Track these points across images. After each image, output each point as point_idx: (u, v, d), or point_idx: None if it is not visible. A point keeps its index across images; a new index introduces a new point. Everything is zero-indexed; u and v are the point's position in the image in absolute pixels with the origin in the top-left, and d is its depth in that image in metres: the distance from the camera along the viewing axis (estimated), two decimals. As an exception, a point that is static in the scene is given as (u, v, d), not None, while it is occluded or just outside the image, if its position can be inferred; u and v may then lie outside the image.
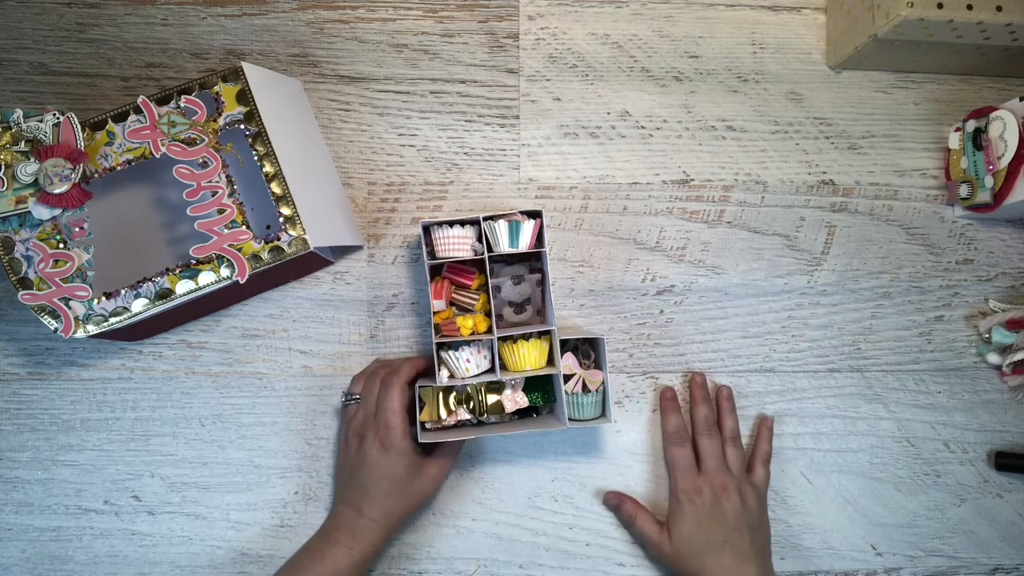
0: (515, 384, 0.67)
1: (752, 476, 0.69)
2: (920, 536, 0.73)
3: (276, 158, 0.60)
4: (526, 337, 0.65)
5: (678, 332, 0.73)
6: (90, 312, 0.59)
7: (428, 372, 0.67)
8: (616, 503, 0.70)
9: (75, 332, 0.58)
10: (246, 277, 0.59)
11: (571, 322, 0.73)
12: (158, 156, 0.59)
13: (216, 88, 0.60)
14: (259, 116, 0.60)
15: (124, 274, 0.61)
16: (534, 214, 0.65)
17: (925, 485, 0.73)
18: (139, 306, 0.59)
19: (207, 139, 0.59)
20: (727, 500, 0.65)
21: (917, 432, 0.74)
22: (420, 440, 0.64)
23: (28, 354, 0.70)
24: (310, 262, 0.67)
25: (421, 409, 0.65)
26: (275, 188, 0.60)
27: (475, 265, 0.67)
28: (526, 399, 0.67)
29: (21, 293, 0.58)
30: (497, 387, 0.66)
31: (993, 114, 0.69)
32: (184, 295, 0.59)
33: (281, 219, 0.60)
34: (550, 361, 0.66)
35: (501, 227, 0.63)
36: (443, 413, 0.65)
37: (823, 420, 0.73)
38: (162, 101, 0.60)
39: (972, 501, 0.73)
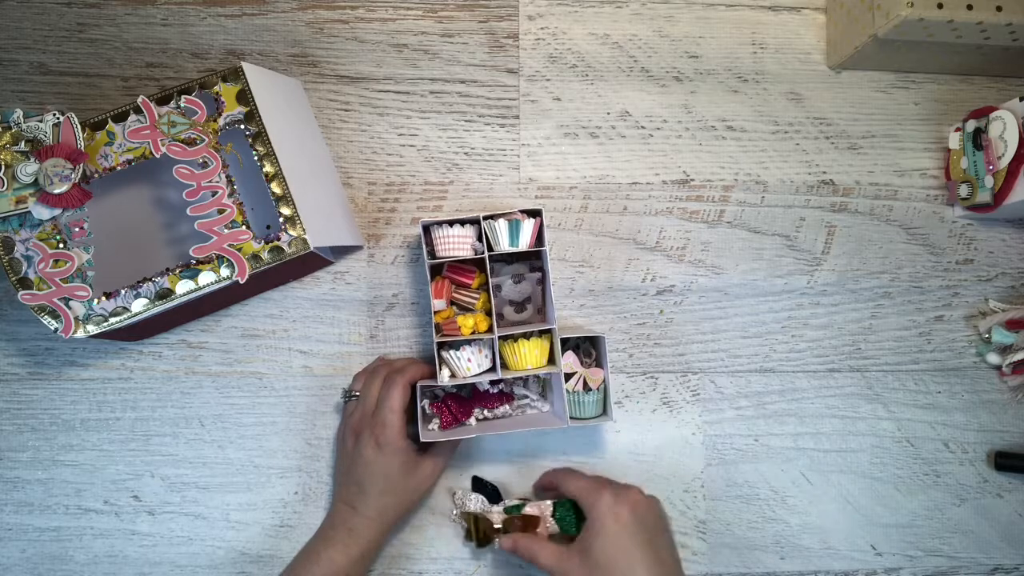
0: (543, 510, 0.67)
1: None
2: (920, 536, 0.73)
3: (276, 158, 0.60)
4: (527, 336, 0.65)
5: (678, 332, 0.73)
6: (90, 312, 0.59)
7: (431, 376, 0.67)
8: (510, 547, 0.64)
9: (75, 332, 0.58)
10: (246, 277, 0.59)
11: (571, 322, 0.73)
12: (158, 156, 0.59)
13: (216, 88, 0.60)
14: (259, 116, 0.60)
15: (124, 274, 0.61)
16: (534, 213, 0.65)
17: (925, 485, 0.73)
18: (139, 306, 0.59)
19: (207, 139, 0.59)
20: (648, 511, 0.61)
21: (917, 432, 0.74)
22: (422, 439, 0.64)
23: (28, 354, 0.70)
24: (310, 262, 0.67)
25: (419, 417, 0.65)
26: (275, 188, 0.60)
27: (475, 264, 0.67)
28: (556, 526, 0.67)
29: (21, 293, 0.58)
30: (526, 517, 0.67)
31: (993, 114, 0.69)
32: (184, 295, 0.59)
33: (281, 219, 0.60)
34: (551, 360, 0.66)
35: (501, 226, 0.63)
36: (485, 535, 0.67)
37: (823, 420, 0.73)
38: (162, 101, 0.59)
39: (972, 501, 0.73)
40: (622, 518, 0.60)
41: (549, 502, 0.67)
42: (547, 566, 0.61)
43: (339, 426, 0.70)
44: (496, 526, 0.67)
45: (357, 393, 0.67)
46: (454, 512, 0.70)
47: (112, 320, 0.59)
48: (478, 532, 0.66)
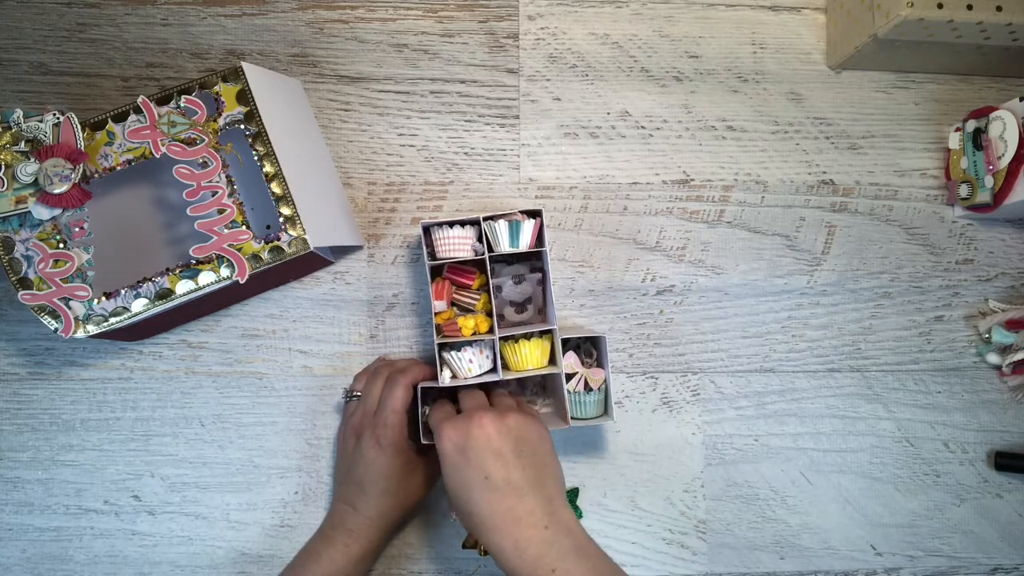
0: None
1: (524, 408, 0.61)
2: (920, 536, 0.73)
3: (276, 158, 0.60)
4: (528, 336, 0.65)
5: (678, 332, 0.73)
6: (90, 312, 0.59)
7: (432, 377, 0.67)
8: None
9: (75, 332, 0.58)
10: (246, 277, 0.59)
11: (572, 322, 0.73)
12: (158, 156, 0.59)
13: (216, 88, 0.60)
14: (259, 116, 0.60)
15: (124, 274, 0.60)
16: (534, 213, 0.65)
17: (925, 485, 0.73)
18: (139, 306, 0.59)
19: (207, 139, 0.59)
20: (480, 429, 0.55)
21: (917, 432, 0.74)
22: (423, 440, 0.64)
23: (28, 354, 0.70)
24: (310, 262, 0.67)
25: (423, 415, 0.65)
26: (275, 188, 0.60)
27: (476, 265, 0.67)
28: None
29: (21, 293, 0.58)
30: None
31: (993, 114, 0.69)
32: (184, 295, 0.59)
33: (281, 219, 0.60)
34: (552, 360, 0.66)
35: (501, 227, 0.63)
36: None
37: (823, 420, 0.73)
38: (162, 101, 0.59)
39: (972, 501, 0.73)
40: (457, 443, 0.55)
41: None
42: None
43: (340, 426, 0.70)
44: None
45: (358, 393, 0.67)
46: (453, 515, 0.69)
47: (112, 320, 0.59)
48: None
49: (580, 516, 0.69)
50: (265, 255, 0.59)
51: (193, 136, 0.59)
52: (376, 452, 0.63)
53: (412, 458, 0.64)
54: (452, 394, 0.67)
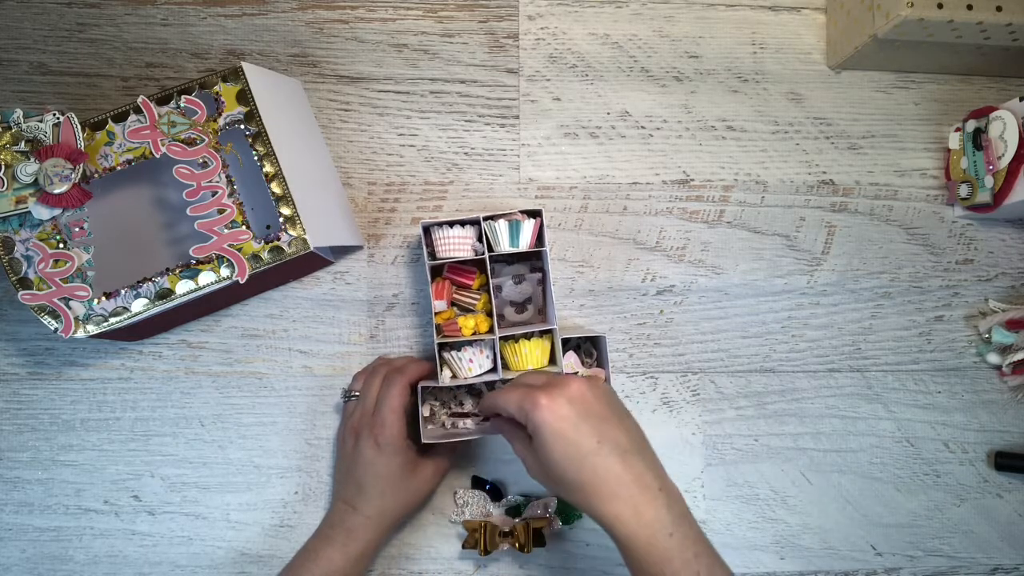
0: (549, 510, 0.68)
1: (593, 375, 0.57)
2: (920, 536, 0.73)
3: (276, 158, 0.60)
4: (528, 336, 0.65)
5: (678, 332, 0.73)
6: (90, 312, 0.59)
7: (431, 375, 0.67)
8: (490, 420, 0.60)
9: (75, 332, 0.58)
10: (246, 277, 0.59)
11: (572, 322, 0.73)
12: (158, 156, 0.59)
13: (216, 88, 0.60)
14: (259, 116, 0.60)
15: (124, 274, 0.60)
16: (534, 213, 0.65)
17: (925, 485, 0.73)
18: (139, 306, 0.59)
19: (207, 139, 0.59)
20: (581, 395, 0.52)
21: (917, 432, 0.74)
22: (423, 440, 0.64)
23: (28, 354, 0.70)
24: (310, 262, 0.67)
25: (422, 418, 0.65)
26: (275, 188, 0.60)
27: (476, 265, 0.67)
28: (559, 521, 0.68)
29: (21, 293, 0.58)
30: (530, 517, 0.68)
31: (993, 114, 0.69)
32: (184, 295, 0.59)
33: (281, 219, 0.60)
34: (552, 360, 0.66)
35: (501, 227, 0.63)
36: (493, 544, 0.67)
37: (823, 420, 0.73)
38: (162, 101, 0.59)
39: (972, 501, 0.73)
40: (559, 412, 0.51)
41: (553, 498, 0.67)
42: (518, 455, 0.57)
43: (339, 426, 0.70)
44: (504, 530, 0.67)
45: (357, 393, 0.67)
46: (453, 516, 0.70)
47: (112, 320, 0.59)
48: (485, 539, 0.66)
49: (579, 517, 0.69)
50: (265, 255, 0.59)
51: (193, 136, 0.59)
52: (374, 452, 0.63)
53: (411, 458, 0.64)
54: (448, 393, 0.67)
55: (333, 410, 0.71)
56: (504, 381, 0.69)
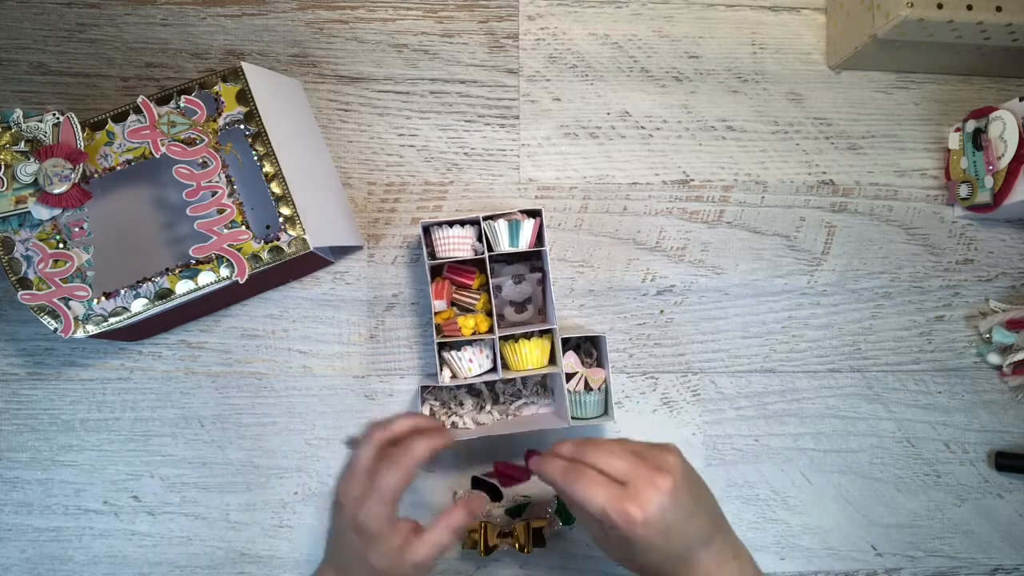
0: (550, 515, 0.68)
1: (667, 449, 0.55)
2: (920, 536, 0.73)
3: (276, 158, 0.60)
4: (528, 336, 0.65)
5: (678, 332, 0.73)
6: (90, 312, 0.58)
7: (442, 446, 0.58)
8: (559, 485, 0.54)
9: (75, 332, 0.58)
10: (246, 277, 0.59)
11: (572, 322, 0.73)
12: (158, 156, 0.59)
13: (216, 88, 0.60)
14: (259, 116, 0.60)
15: (124, 274, 0.60)
16: (534, 213, 0.65)
17: (925, 485, 0.73)
18: (139, 306, 0.59)
19: (207, 139, 0.59)
20: (672, 496, 0.51)
21: (917, 432, 0.74)
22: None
23: (28, 354, 0.70)
24: (310, 262, 0.67)
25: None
26: (275, 188, 0.60)
27: (475, 265, 0.67)
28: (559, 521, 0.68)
29: (21, 293, 0.58)
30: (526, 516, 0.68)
31: (993, 114, 0.69)
32: (184, 295, 0.59)
33: (281, 219, 0.60)
34: (552, 360, 0.66)
35: (501, 226, 0.63)
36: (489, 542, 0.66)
37: (823, 420, 0.73)
38: (162, 101, 0.59)
39: (972, 501, 0.73)
40: (653, 527, 0.50)
41: (553, 498, 0.67)
42: (597, 544, 0.56)
43: (338, 476, 0.59)
44: (504, 530, 0.67)
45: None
46: None
47: (112, 320, 0.59)
48: (485, 539, 0.66)
49: (574, 521, 0.69)
50: (265, 255, 0.59)
51: (193, 136, 0.59)
52: (360, 542, 0.54)
53: (400, 543, 0.54)
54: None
55: (333, 410, 0.71)
56: (504, 381, 0.69)
